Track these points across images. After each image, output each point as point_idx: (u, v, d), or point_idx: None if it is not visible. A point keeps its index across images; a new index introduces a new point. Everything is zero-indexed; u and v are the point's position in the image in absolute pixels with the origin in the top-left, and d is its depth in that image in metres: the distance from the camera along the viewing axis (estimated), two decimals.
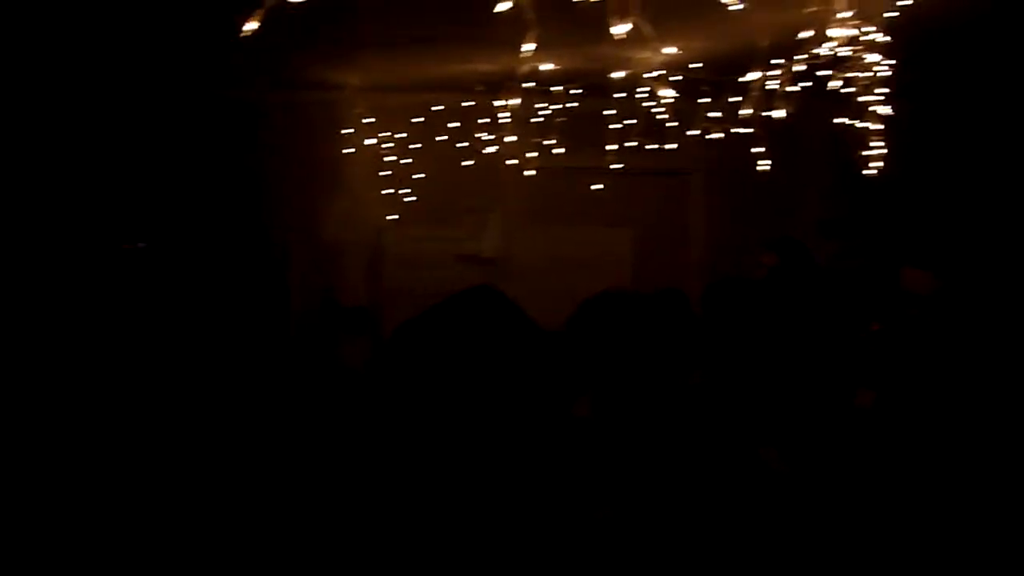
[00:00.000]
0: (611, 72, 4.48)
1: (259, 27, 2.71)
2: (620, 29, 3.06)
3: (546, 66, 4.25)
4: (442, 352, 1.35)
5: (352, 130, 5.65)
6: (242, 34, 2.38)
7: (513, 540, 1.38)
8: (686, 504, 2.50)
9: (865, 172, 4.03)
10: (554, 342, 1.52)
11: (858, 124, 3.91)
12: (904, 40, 3.72)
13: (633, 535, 1.65)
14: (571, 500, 1.94)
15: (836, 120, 3.97)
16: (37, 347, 4.41)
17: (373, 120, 5.60)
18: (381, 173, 5.62)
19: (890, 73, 3.79)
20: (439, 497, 1.29)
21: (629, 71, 4.32)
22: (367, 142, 5.54)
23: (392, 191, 5.64)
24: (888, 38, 3.70)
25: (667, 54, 3.96)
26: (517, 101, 4.88)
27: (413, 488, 1.32)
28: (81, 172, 5.02)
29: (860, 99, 3.79)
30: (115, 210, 5.03)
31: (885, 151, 3.98)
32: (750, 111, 4.26)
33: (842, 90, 3.81)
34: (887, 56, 3.71)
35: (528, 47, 3.25)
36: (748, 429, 3.16)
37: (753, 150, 4.58)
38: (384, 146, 5.56)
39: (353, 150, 5.67)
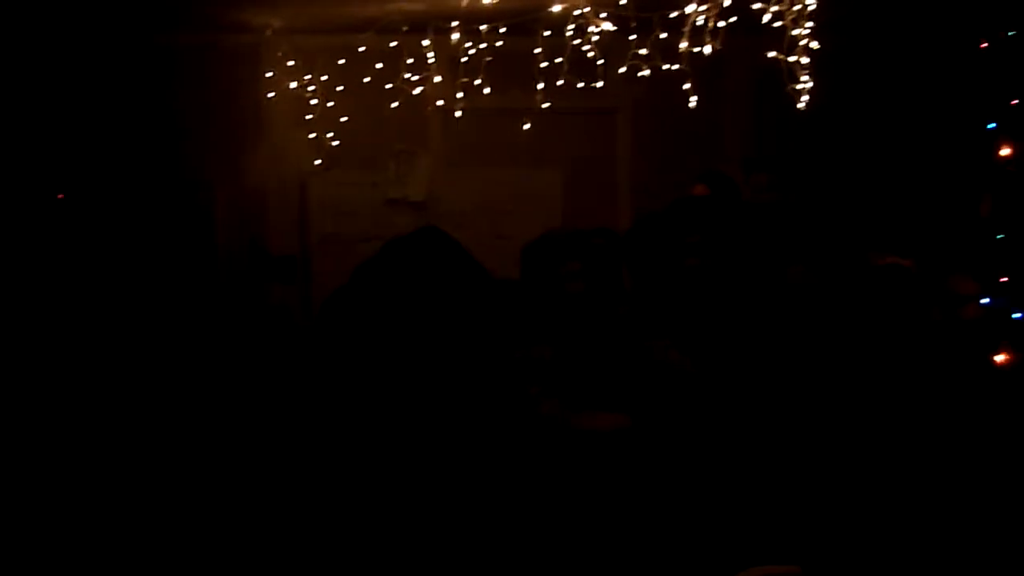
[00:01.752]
0: (539, 10, 4.46)
1: None
2: None
3: (473, 4, 4.22)
4: (398, 294, 1.31)
5: (274, 73, 5.53)
6: None
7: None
8: None
9: (797, 106, 4.07)
10: (500, 285, 1.50)
11: (787, 58, 3.94)
12: None
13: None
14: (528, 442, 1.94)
15: (768, 54, 3.97)
16: None
17: (296, 63, 5.48)
18: (305, 117, 5.51)
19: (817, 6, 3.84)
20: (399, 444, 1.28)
21: (557, 8, 4.30)
22: (290, 86, 5.42)
23: (317, 135, 5.54)
24: None
25: None
26: (443, 41, 4.84)
27: (373, 436, 1.30)
28: None
29: (790, 33, 3.83)
30: (32, 159, 4.85)
31: (812, 85, 4.02)
32: (679, 47, 4.28)
33: (772, 24, 3.84)
34: None
35: None
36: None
37: (679, 86, 4.61)
38: (308, 89, 5.44)
39: (276, 94, 5.56)
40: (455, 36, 4.73)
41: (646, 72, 4.60)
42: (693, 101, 4.44)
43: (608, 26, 4.11)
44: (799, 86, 3.95)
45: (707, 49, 4.23)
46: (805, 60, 3.92)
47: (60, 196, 4.79)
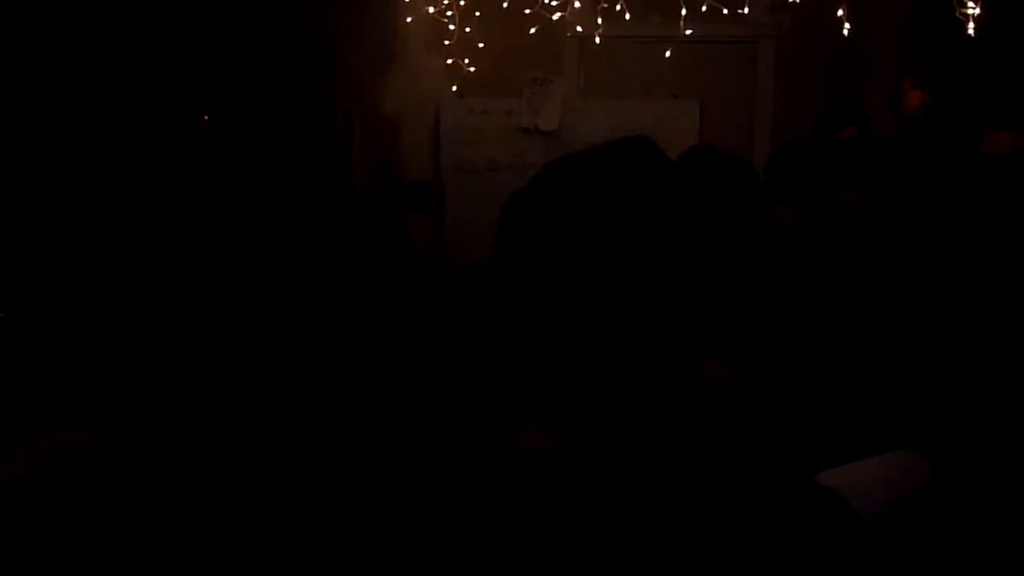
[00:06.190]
0: None
1: None
2: None
3: None
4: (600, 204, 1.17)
5: None
6: None
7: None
8: None
9: (951, 35, 3.88)
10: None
11: None
12: None
13: None
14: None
15: None
16: None
17: None
18: (442, 43, 5.48)
19: None
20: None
21: None
22: (428, 11, 5.39)
23: (453, 61, 5.51)
24: None
25: None
26: None
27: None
28: (137, 48, 4.94)
29: None
30: (174, 81, 4.95)
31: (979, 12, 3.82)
32: None
33: None
34: None
35: None
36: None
37: (824, 14, 4.46)
38: (445, 15, 5.40)
39: (413, 19, 5.54)
40: None
41: None
42: (847, 28, 4.27)
43: None
44: (968, 11, 3.75)
45: None
46: None
47: (206, 117, 4.89)
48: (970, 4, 3.76)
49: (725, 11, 4.65)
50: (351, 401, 3.83)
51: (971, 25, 3.78)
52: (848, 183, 3.80)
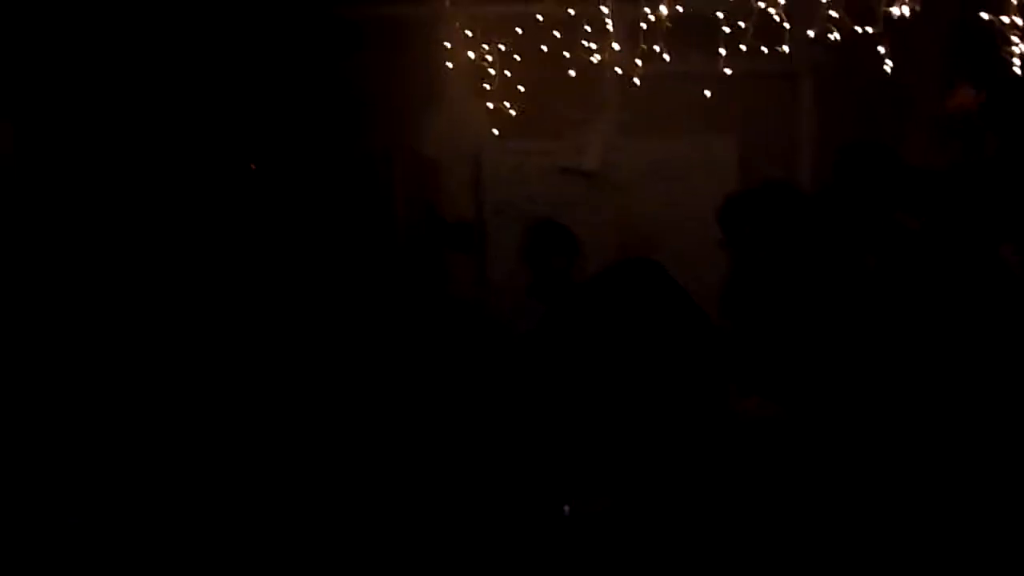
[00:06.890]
0: None
1: None
2: None
3: None
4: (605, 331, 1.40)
5: (452, 44, 5.57)
6: None
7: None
8: None
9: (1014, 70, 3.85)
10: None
11: (999, 18, 3.73)
12: None
13: None
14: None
15: (982, 16, 3.77)
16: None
17: (473, 33, 5.51)
18: (483, 87, 5.54)
19: None
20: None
21: None
22: (468, 55, 5.46)
23: (494, 105, 5.56)
24: None
25: None
26: (622, 8, 4.78)
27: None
28: (185, 94, 5.03)
29: None
30: (223, 130, 5.04)
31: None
32: (872, 8, 4.13)
33: None
34: None
35: None
36: None
37: (863, 50, 4.46)
38: (485, 59, 5.46)
39: (454, 65, 5.60)
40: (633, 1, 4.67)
41: (836, 35, 4.45)
42: (888, 65, 4.26)
43: None
44: (1014, 48, 3.73)
45: (906, 10, 4.07)
46: (1020, 21, 3.70)
47: (253, 166, 4.97)
48: (1016, 40, 3.73)
49: (764, 49, 4.65)
50: (394, 447, 3.86)
51: (1017, 62, 3.76)
52: (913, 212, 3.76)
